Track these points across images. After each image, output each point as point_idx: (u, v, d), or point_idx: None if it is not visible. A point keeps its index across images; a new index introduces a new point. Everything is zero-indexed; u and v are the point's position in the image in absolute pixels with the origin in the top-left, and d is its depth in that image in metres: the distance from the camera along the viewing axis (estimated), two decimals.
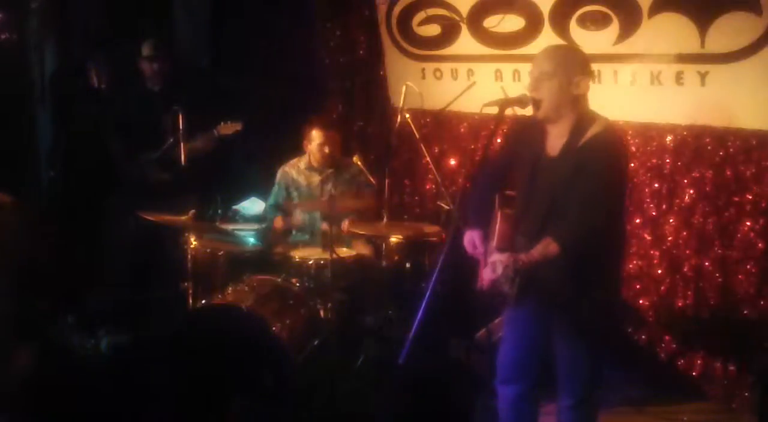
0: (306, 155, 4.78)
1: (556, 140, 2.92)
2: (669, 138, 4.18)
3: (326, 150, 4.63)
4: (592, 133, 2.84)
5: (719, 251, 4.06)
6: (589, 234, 2.77)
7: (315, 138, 4.65)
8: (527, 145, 3.01)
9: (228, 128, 4.77)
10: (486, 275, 2.86)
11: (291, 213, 4.82)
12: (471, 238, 3.08)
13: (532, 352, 3.10)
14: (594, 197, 2.76)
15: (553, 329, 3.01)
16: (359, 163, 4.80)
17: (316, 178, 4.71)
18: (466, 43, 5.01)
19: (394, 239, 4.52)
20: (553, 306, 2.94)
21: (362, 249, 4.67)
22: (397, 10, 5.35)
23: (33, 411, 2.34)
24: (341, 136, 4.86)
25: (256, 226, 4.74)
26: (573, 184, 2.79)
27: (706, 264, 4.12)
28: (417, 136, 4.78)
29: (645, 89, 4.19)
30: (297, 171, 4.79)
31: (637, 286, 4.36)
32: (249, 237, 4.58)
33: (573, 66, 2.87)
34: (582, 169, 2.78)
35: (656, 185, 4.25)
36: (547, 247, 2.75)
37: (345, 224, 4.59)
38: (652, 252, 4.29)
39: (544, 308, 2.97)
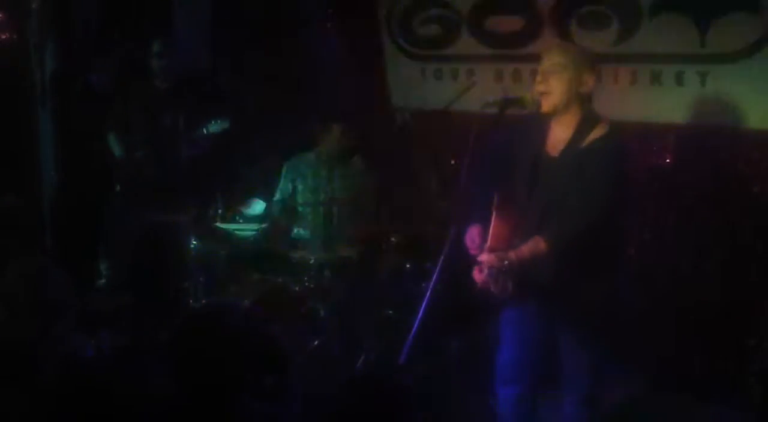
0: (317, 149, 4.77)
1: (558, 140, 2.91)
2: (669, 138, 4.18)
3: (344, 143, 4.66)
4: (596, 136, 2.83)
5: (719, 251, 4.06)
6: (578, 234, 2.76)
7: (335, 131, 4.66)
8: (528, 144, 2.99)
9: (216, 126, 4.80)
10: (475, 276, 2.86)
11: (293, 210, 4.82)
12: (471, 235, 3.05)
13: (532, 353, 3.10)
14: (588, 199, 2.76)
15: (555, 327, 3.01)
16: (359, 162, 4.81)
17: (323, 172, 4.72)
18: (466, 43, 5.01)
19: (394, 239, 4.52)
20: (553, 305, 2.94)
21: (362, 249, 4.66)
22: (397, 10, 5.35)
23: (33, 412, 2.35)
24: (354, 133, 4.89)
25: (256, 226, 4.74)
26: (572, 185, 2.78)
27: (707, 264, 4.11)
28: (417, 136, 4.78)
29: (645, 89, 4.19)
30: (306, 163, 4.78)
31: (637, 286, 4.35)
32: (249, 237, 4.57)
33: (583, 63, 2.89)
34: (583, 171, 2.77)
35: (656, 185, 4.25)
36: (536, 245, 2.76)
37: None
38: (651, 252, 4.29)
39: (543, 307, 2.96)
